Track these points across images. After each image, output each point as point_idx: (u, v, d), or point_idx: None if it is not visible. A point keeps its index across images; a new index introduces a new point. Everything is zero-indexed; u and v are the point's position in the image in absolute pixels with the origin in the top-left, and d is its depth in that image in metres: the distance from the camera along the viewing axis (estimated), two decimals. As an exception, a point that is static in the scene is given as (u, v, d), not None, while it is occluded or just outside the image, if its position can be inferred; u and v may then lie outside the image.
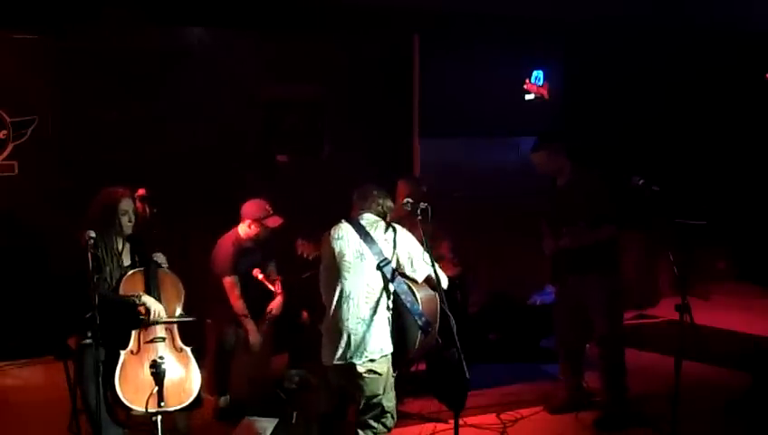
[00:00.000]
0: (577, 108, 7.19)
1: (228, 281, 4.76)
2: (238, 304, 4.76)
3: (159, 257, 3.89)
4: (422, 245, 3.73)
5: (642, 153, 6.94)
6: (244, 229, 4.82)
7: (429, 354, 5.07)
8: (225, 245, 4.83)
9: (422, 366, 5.24)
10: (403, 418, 4.68)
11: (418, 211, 3.65)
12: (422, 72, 6.92)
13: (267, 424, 4.53)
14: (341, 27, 6.33)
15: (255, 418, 4.60)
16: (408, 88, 6.96)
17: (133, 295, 3.72)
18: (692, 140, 7.86)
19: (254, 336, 4.77)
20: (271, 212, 4.80)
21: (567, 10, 6.80)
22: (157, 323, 3.73)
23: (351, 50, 6.57)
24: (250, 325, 4.77)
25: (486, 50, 6.96)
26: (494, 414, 4.77)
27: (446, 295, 3.54)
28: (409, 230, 5.15)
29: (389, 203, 3.86)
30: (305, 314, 5.06)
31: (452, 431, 3.60)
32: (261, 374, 5.00)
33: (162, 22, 5.89)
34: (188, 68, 5.98)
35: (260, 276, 4.83)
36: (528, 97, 7.28)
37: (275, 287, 4.89)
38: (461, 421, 4.08)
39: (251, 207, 4.80)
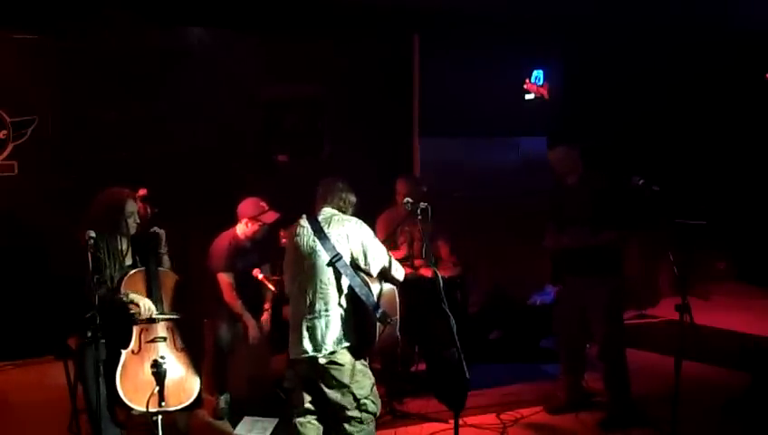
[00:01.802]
0: (577, 108, 7.19)
1: (223, 278, 4.78)
2: (234, 301, 4.78)
3: (157, 230, 3.88)
4: (422, 244, 3.75)
5: (642, 153, 6.94)
6: (241, 228, 4.83)
7: (430, 353, 5.10)
8: (221, 242, 4.85)
9: (422, 366, 5.25)
10: (403, 418, 4.69)
11: (418, 211, 3.66)
12: (422, 72, 6.92)
13: (267, 424, 4.54)
14: (341, 27, 6.33)
15: (255, 418, 4.61)
16: (408, 88, 6.97)
17: (121, 295, 3.72)
18: (692, 140, 7.86)
19: (254, 332, 4.78)
20: (266, 208, 4.81)
21: (567, 10, 6.80)
22: (152, 319, 3.75)
23: (351, 50, 6.57)
24: (249, 321, 4.78)
25: (486, 50, 6.96)
26: (494, 414, 4.76)
27: (446, 295, 3.55)
28: (409, 230, 5.19)
29: (352, 198, 3.91)
30: None
31: (452, 431, 3.60)
32: (260, 372, 4.99)
33: (162, 22, 5.89)
34: (188, 68, 5.98)
35: (260, 276, 4.84)
36: (528, 97, 7.29)
37: (275, 287, 4.89)
38: (461, 421, 4.09)
39: (246, 206, 4.83)
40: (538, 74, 7.29)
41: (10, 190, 5.68)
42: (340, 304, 3.68)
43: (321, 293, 3.65)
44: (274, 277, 4.96)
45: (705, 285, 7.40)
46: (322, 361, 3.63)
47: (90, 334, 3.50)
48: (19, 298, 5.55)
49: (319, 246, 3.67)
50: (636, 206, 4.35)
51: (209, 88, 6.04)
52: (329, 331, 3.63)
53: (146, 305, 3.75)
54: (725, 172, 8.06)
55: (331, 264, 3.64)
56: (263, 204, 4.82)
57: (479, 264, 6.34)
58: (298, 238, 3.74)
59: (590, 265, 4.48)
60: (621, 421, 4.54)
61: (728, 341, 6.31)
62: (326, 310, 3.64)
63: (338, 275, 3.66)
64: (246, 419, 4.60)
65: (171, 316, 3.86)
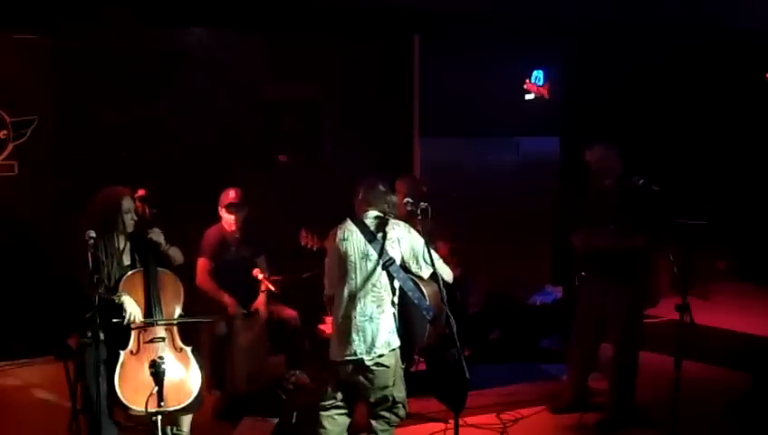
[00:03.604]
0: (577, 108, 7.19)
1: (201, 261, 4.85)
2: (208, 283, 4.82)
3: (155, 233, 3.89)
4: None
5: (642, 153, 6.92)
6: (224, 219, 4.93)
7: (430, 353, 5.08)
8: (210, 233, 4.96)
9: (422, 366, 5.24)
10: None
11: (418, 211, 3.67)
12: (422, 72, 6.92)
13: (267, 424, 4.53)
14: (341, 27, 6.33)
15: (255, 418, 4.60)
16: (407, 88, 6.96)
17: (115, 296, 3.70)
18: (692, 139, 7.86)
19: (234, 308, 4.79)
20: (231, 195, 4.88)
21: (567, 10, 6.80)
22: (151, 323, 3.74)
23: (351, 50, 6.58)
24: (228, 299, 4.80)
25: (486, 50, 6.96)
26: (494, 414, 4.77)
27: (447, 295, 3.55)
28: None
29: (394, 199, 3.93)
30: (294, 315, 5.07)
31: (452, 431, 3.60)
32: (259, 370, 4.98)
33: (162, 22, 5.89)
34: (188, 68, 5.99)
35: (260, 276, 4.84)
36: (528, 97, 7.28)
37: (275, 288, 4.89)
38: (461, 421, 4.08)
39: (220, 197, 4.94)
40: (538, 74, 7.28)
41: (10, 190, 5.68)
42: (392, 306, 3.71)
43: (374, 296, 3.67)
44: (273, 277, 4.96)
45: (705, 284, 7.40)
46: (369, 362, 3.65)
47: (90, 334, 3.51)
48: (19, 298, 5.54)
49: (371, 250, 3.68)
50: (633, 204, 4.33)
51: (209, 88, 6.05)
52: (380, 333, 3.65)
53: (132, 313, 3.68)
54: (726, 171, 8.06)
55: (384, 267, 3.66)
56: (231, 192, 4.89)
57: (479, 264, 6.33)
58: (347, 242, 3.73)
59: (618, 269, 4.41)
60: (621, 423, 4.53)
61: (728, 341, 6.31)
62: (378, 313, 3.66)
63: (390, 279, 3.69)
64: (246, 419, 4.60)
65: (170, 321, 3.84)
